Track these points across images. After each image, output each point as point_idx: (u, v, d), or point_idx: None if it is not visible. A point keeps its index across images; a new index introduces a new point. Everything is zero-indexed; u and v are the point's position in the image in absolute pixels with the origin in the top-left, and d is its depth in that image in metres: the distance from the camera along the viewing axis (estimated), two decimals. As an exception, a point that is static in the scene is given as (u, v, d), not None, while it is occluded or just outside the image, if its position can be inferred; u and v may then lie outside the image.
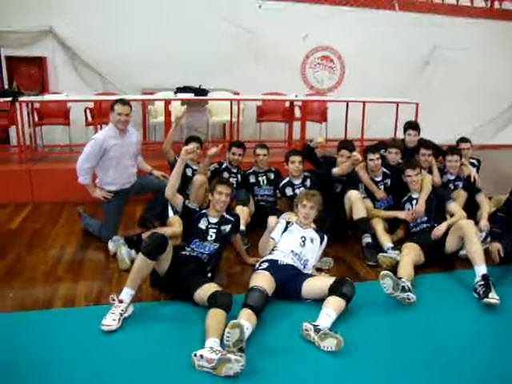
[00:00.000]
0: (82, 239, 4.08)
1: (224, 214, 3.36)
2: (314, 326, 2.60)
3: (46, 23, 6.80)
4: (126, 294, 2.77)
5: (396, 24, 8.00)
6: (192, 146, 3.51)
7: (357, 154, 4.12)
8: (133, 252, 3.56)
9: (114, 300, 2.75)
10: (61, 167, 5.22)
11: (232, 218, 3.38)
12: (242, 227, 3.82)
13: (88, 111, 6.27)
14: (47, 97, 5.96)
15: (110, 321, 2.64)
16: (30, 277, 3.36)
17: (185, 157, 3.25)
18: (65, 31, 6.87)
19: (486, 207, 4.30)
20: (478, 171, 4.65)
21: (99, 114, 5.62)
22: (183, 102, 6.36)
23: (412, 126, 4.74)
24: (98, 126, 5.65)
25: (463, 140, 4.70)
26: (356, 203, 3.94)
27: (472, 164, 4.65)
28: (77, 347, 2.50)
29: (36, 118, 6.17)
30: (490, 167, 4.89)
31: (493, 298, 3.00)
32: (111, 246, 3.68)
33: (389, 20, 8.01)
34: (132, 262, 3.45)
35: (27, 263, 3.58)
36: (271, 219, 3.28)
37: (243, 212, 4.02)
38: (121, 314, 2.69)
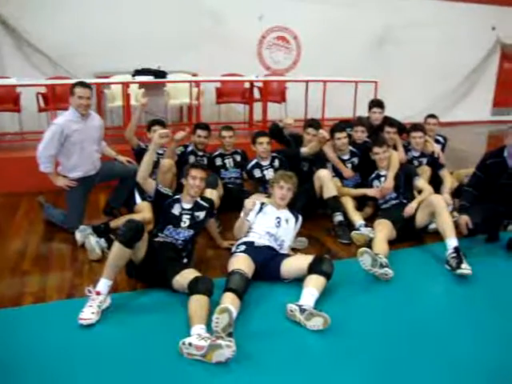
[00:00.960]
0: (46, 230, 3.88)
1: (198, 199, 3.27)
2: (298, 306, 2.59)
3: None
4: (104, 284, 2.65)
5: (352, 4, 8.04)
6: (166, 130, 3.38)
7: (323, 132, 4.13)
8: (102, 241, 3.43)
9: (90, 292, 2.63)
10: (14, 156, 4.95)
11: (206, 204, 3.30)
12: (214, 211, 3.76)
13: (40, 96, 5.94)
14: (-4, 81, 5.58)
15: (89, 314, 2.53)
16: (-7, 273, 3.16)
17: (158, 141, 3.13)
18: (7, 11, 6.44)
19: (449, 182, 4.45)
20: (443, 148, 4.78)
21: (53, 100, 5.32)
22: (140, 84, 6.17)
23: (377, 103, 4.79)
24: (51, 112, 5.39)
25: (431, 116, 4.80)
26: (326, 182, 3.94)
27: (437, 141, 4.76)
28: (56, 344, 2.38)
29: (-18, 105, 5.80)
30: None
31: (465, 268, 3.10)
32: (79, 236, 3.51)
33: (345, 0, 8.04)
34: (102, 251, 3.36)
35: (-13, 259, 3.37)
36: (247, 202, 3.22)
37: (212, 195, 3.94)
38: (99, 307, 2.58)
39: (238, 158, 4.58)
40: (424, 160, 4.51)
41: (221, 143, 4.55)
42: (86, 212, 3.87)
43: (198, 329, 2.36)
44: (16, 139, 5.85)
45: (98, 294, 2.62)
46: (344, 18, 8.01)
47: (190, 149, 4.46)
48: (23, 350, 2.33)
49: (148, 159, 3.13)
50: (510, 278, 3.23)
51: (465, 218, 3.51)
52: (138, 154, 4.22)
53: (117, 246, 2.68)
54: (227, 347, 2.19)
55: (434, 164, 4.48)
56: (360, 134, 4.47)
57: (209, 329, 2.37)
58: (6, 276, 3.13)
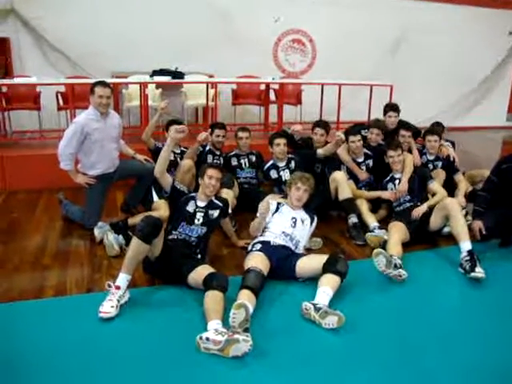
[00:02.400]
0: (64, 227, 3.95)
1: (213, 198, 3.33)
2: (313, 304, 2.63)
3: (7, 1, 6.50)
4: (123, 279, 2.71)
5: (367, 7, 8.06)
6: (183, 125, 3.44)
7: (340, 134, 4.18)
8: (120, 238, 3.49)
9: (110, 287, 2.69)
10: (35, 153, 5.05)
11: (221, 204, 3.35)
12: (229, 210, 3.80)
13: (59, 95, 6.05)
14: (18, 80, 5.68)
15: (108, 308, 2.59)
16: (14, 267, 3.22)
17: (175, 136, 3.19)
18: (28, 11, 6.58)
19: (464, 185, 4.45)
20: (452, 153, 4.78)
21: (72, 99, 5.42)
22: (158, 85, 6.25)
23: (392, 107, 4.81)
24: (69, 111, 5.49)
25: (436, 124, 4.81)
26: (342, 184, 3.97)
27: (446, 146, 4.77)
28: (76, 336, 2.44)
29: (3, 103, 5.91)
30: (459, 148, 5.03)
31: (479, 272, 3.11)
32: (97, 232, 3.58)
33: (360, 3, 8.06)
34: (120, 247, 3.42)
35: (8, 253, 3.43)
36: (261, 205, 3.25)
37: (228, 195, 3.99)
38: (118, 301, 2.64)
39: (254, 158, 4.64)
40: (439, 163, 4.52)
41: (237, 144, 4.61)
42: (104, 209, 3.94)
43: (215, 324, 2.40)
44: (35, 137, 5.96)
45: (118, 288, 2.68)
46: (359, 21, 8.04)
47: (207, 148, 4.53)
48: (43, 341, 2.39)
49: (165, 154, 3.21)
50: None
51: (478, 224, 3.53)
52: (156, 153, 4.28)
53: (135, 242, 2.74)
54: (244, 341, 2.23)
55: (450, 168, 4.48)
56: (375, 137, 4.50)
57: (225, 324, 2.42)
58: (26, 270, 3.21)
